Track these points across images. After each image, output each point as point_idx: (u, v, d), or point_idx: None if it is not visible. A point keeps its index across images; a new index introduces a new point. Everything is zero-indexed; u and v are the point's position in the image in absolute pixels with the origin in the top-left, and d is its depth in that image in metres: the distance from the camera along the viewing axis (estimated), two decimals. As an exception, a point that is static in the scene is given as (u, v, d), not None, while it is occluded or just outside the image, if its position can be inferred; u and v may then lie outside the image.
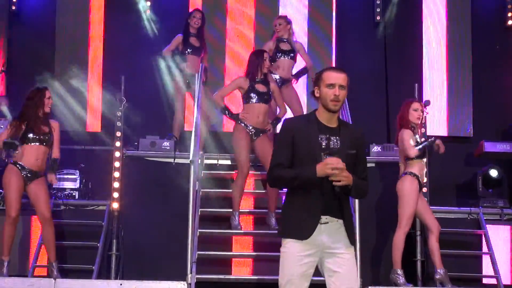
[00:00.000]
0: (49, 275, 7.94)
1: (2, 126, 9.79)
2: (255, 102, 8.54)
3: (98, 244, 8.56)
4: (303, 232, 5.03)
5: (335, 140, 5.09)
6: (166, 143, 9.60)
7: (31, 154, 7.85)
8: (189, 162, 8.02)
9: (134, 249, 8.74)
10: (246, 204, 9.13)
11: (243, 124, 8.51)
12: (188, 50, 10.03)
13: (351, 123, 8.32)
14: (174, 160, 9.40)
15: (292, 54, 9.74)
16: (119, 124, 9.06)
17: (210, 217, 8.80)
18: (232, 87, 8.77)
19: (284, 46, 9.77)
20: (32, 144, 7.86)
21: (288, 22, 9.89)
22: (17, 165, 7.81)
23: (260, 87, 8.58)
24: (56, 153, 8.06)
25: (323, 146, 5.03)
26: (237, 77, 8.94)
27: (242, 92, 8.64)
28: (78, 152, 10.20)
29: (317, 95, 5.15)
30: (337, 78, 5.09)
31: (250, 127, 8.52)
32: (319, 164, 4.97)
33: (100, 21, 11.27)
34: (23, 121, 7.93)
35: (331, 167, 4.93)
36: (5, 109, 10.02)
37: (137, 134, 9.90)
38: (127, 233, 8.82)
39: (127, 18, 11.19)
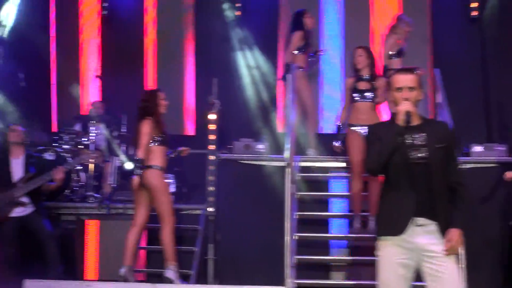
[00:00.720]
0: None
1: (97, 131, 10.19)
2: (357, 101, 8.51)
3: (196, 249, 8.67)
4: (395, 228, 5.06)
5: (420, 137, 5.12)
6: (260, 146, 9.66)
7: (159, 155, 8.00)
8: (284, 164, 8.05)
9: (231, 253, 8.85)
10: (342, 207, 9.15)
11: (352, 127, 8.49)
12: (303, 48, 10.07)
13: (451, 123, 8.26)
14: (269, 163, 9.44)
15: None
16: (212, 127, 9.18)
17: (308, 221, 8.81)
18: (347, 93, 8.69)
19: None
20: (157, 145, 7.98)
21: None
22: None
23: (362, 85, 8.53)
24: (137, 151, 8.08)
25: (408, 143, 5.08)
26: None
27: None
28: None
29: (391, 99, 5.24)
30: (404, 80, 5.15)
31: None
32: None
33: (192, 24, 11.48)
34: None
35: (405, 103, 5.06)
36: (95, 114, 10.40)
37: (231, 137, 10.02)
38: (223, 237, 8.95)
39: (216, 21, 11.40)
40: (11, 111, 10.66)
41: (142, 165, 7.76)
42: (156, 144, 7.87)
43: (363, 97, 8.47)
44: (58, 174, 8.46)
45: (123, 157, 9.94)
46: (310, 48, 10.09)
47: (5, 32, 11.06)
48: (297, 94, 9.68)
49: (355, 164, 8.35)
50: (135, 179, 7.81)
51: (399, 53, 9.72)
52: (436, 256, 5.04)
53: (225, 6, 11.44)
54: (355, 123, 8.45)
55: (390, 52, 9.67)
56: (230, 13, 11.38)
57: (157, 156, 7.85)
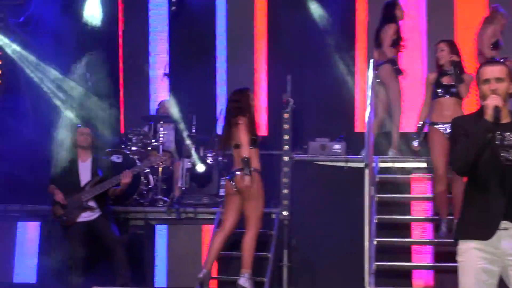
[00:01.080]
0: None
1: (166, 132, 10.40)
2: (441, 97, 8.51)
3: (269, 255, 8.72)
4: (483, 231, 4.99)
5: (510, 136, 5.04)
6: (337, 146, 9.73)
7: (254, 158, 8.04)
8: (363, 166, 8.13)
9: (306, 259, 8.93)
10: (422, 210, 9.17)
11: (433, 125, 8.47)
12: (396, 42, 10.11)
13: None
14: (346, 164, 9.50)
15: None
16: (286, 126, 9.27)
17: (388, 225, 8.83)
18: (429, 89, 8.64)
19: None
20: (252, 147, 8.05)
21: None
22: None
23: (445, 80, 8.52)
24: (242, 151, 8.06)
25: (497, 143, 4.99)
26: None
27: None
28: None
29: (479, 93, 5.14)
30: (491, 71, 5.07)
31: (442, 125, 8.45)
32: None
33: (265, 17, 11.64)
34: None
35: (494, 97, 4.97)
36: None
37: (306, 137, 10.11)
38: (298, 242, 9.02)
39: (292, 15, 11.47)
40: (79, 112, 10.94)
41: (249, 165, 7.85)
42: (251, 146, 7.96)
43: (448, 92, 8.43)
44: (125, 178, 8.67)
45: (194, 158, 10.09)
46: (402, 42, 10.13)
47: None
48: (385, 90, 9.79)
49: (438, 165, 8.30)
50: (228, 183, 7.95)
51: (495, 46, 9.68)
52: None
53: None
54: (438, 120, 8.41)
55: (488, 43, 9.65)
56: (308, 4, 11.44)
57: (252, 158, 7.93)
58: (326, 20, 11.36)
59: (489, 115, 4.95)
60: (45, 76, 10.98)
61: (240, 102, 8.09)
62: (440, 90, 8.46)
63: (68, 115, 10.57)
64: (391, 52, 9.90)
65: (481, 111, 5.09)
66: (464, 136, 5.04)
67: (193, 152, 10.15)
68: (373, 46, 10.19)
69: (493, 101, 4.97)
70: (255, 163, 7.91)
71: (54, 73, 10.99)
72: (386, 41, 9.89)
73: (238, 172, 7.87)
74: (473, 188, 5.10)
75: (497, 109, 4.94)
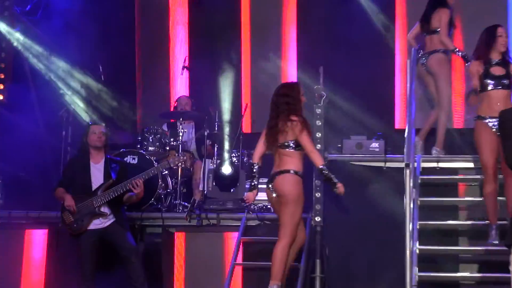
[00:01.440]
0: None
1: (185, 130, 10.35)
2: (492, 89, 8.38)
3: (300, 265, 8.62)
4: None
5: None
6: (375, 144, 9.65)
7: (297, 158, 7.92)
8: (403, 166, 7.99)
9: (341, 270, 8.90)
10: (467, 215, 9.11)
11: (482, 120, 8.36)
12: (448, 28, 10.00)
13: None
14: (385, 164, 9.44)
15: None
16: (319, 123, 9.18)
17: (432, 231, 8.75)
18: (475, 80, 8.51)
19: None
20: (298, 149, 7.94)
21: None
22: None
23: (498, 70, 8.39)
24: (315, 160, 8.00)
25: None
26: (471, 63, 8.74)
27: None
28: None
29: None
30: None
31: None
32: None
33: (293, 4, 11.62)
34: None
35: None
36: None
37: (340, 135, 10.05)
38: (332, 251, 8.97)
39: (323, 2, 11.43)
40: (91, 108, 10.91)
41: (326, 173, 7.81)
42: (298, 148, 7.85)
43: (499, 84, 8.36)
44: (137, 187, 8.56)
45: (218, 159, 10.11)
46: (453, 28, 10.05)
47: None
48: (434, 82, 9.72)
49: (487, 164, 8.21)
50: (268, 190, 7.88)
51: None
52: None
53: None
54: (487, 114, 8.33)
55: None
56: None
57: (294, 160, 7.82)
58: (361, 5, 11.27)
59: None
60: (53, 68, 10.94)
61: (290, 97, 7.97)
62: (490, 82, 8.38)
63: (79, 111, 10.51)
64: (449, 40, 9.80)
65: None
66: None
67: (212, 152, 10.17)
68: (418, 33, 10.14)
69: None
70: (296, 164, 7.79)
71: (63, 65, 10.97)
72: (443, 29, 9.79)
73: (278, 175, 7.78)
74: None
75: None
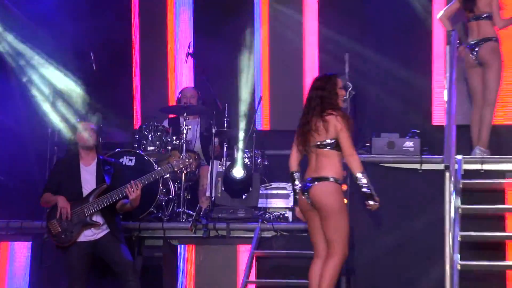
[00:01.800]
0: None
1: (190, 127, 10.36)
2: None
3: None
4: None
5: None
6: (409, 143, 9.69)
7: (335, 162, 7.76)
8: (442, 168, 8.02)
9: (369, 285, 8.90)
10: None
11: None
12: None
13: None
14: (421, 165, 9.41)
15: None
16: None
17: (476, 244, 8.73)
18: None
19: None
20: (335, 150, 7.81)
21: None
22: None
23: None
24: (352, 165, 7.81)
25: None
26: None
27: None
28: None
29: None
30: None
31: None
32: None
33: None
34: None
35: None
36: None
37: (368, 132, 10.11)
38: (360, 267, 9.01)
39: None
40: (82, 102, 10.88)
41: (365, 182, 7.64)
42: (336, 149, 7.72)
43: None
44: (132, 192, 8.47)
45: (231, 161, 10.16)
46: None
47: None
48: (484, 73, 9.74)
49: None
50: (301, 196, 7.70)
51: None
52: None
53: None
54: None
55: None
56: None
57: (332, 163, 7.71)
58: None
59: None
60: (33, 55, 10.91)
61: (326, 90, 7.82)
62: None
63: (67, 106, 10.48)
64: (503, 23, 9.80)
65: None
66: None
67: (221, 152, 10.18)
68: (453, 12, 10.04)
69: None
70: (339, 170, 7.66)
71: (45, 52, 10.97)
72: (496, 12, 9.77)
73: (316, 182, 7.59)
74: None
75: None
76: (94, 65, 10.85)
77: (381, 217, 9.12)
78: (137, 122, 11.90)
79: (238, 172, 10.01)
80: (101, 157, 8.87)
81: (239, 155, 10.15)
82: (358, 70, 10.33)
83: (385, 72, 11.08)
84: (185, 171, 9.92)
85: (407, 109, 10.89)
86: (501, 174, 9.39)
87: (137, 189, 8.44)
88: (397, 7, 11.19)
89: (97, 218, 8.50)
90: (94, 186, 8.60)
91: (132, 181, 8.49)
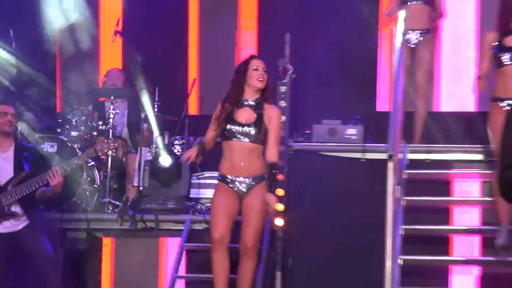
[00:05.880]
0: None
1: (117, 111, 10.38)
2: (508, 64, 8.57)
3: (256, 278, 8.46)
4: None
5: None
6: (351, 131, 9.82)
7: (233, 154, 8.11)
8: (386, 157, 8.11)
9: (308, 285, 8.99)
10: (467, 219, 9.22)
11: (499, 102, 8.56)
12: None
13: None
14: (364, 154, 9.58)
15: None
16: (283, 103, 9.32)
17: (419, 238, 8.88)
18: (486, 55, 8.72)
19: None
20: (233, 140, 8.10)
21: None
22: (225, 179, 8.15)
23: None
24: (271, 155, 8.16)
25: None
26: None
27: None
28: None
29: None
30: None
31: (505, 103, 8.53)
32: None
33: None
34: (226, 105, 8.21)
35: None
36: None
37: (309, 118, 10.22)
38: (297, 261, 9.07)
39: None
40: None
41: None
42: None
43: None
44: (54, 179, 8.54)
45: (157, 147, 10.13)
46: None
47: None
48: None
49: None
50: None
51: None
52: None
53: None
54: (503, 95, 8.52)
55: None
56: None
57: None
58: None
59: None
60: None
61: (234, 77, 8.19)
62: (505, 56, 8.59)
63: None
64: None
65: None
66: None
67: (158, 139, 10.16)
68: None
69: None
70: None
71: None
72: None
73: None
74: None
75: None
76: (13, 43, 10.88)
77: (320, 209, 9.25)
78: (60, 106, 11.86)
79: (165, 160, 10.03)
80: (19, 143, 8.93)
81: (162, 142, 10.12)
82: (300, 52, 10.38)
83: (328, 55, 11.11)
84: (110, 156, 9.92)
85: (351, 94, 10.98)
86: (448, 164, 9.60)
87: (58, 175, 8.56)
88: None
89: (16, 208, 8.54)
90: (12, 174, 8.63)
91: (53, 167, 8.59)
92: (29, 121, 10.30)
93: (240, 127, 8.02)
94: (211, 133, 8.16)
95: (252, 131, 8.02)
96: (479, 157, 9.41)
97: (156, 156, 10.06)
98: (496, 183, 5.28)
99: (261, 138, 7.99)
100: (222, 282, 7.99)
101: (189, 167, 9.97)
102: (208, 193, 9.87)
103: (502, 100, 8.50)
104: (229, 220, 7.98)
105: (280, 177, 8.23)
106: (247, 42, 11.63)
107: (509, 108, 8.33)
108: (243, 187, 8.02)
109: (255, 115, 8.04)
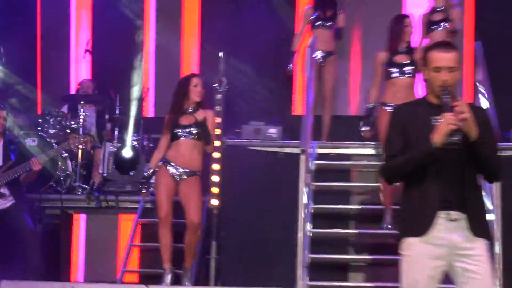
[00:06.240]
0: (160, 280, 8.22)
1: (87, 113, 10.33)
2: (397, 77, 8.63)
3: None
4: (420, 227, 5.03)
5: None
6: (272, 130, 9.76)
7: (179, 147, 8.20)
8: (299, 151, 8.15)
9: (236, 252, 8.93)
10: (363, 199, 9.25)
11: (384, 107, 8.61)
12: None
13: (491, 103, 8.29)
14: (282, 149, 9.44)
15: None
16: (219, 108, 9.26)
17: (325, 215, 8.85)
18: (379, 69, 8.79)
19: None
20: (180, 139, 8.20)
21: None
22: (168, 164, 8.18)
23: (402, 58, 8.66)
24: (209, 149, 8.35)
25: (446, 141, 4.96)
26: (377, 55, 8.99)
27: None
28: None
29: (425, 77, 5.11)
30: (444, 59, 4.99)
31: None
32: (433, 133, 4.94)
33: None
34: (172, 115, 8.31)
35: (452, 119, 4.86)
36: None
37: (239, 120, 10.17)
38: (228, 234, 9.04)
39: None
40: None
41: None
42: None
43: (402, 72, 8.61)
44: (36, 165, 8.59)
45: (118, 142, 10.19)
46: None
47: None
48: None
49: None
50: None
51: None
52: (470, 254, 5.03)
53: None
54: (390, 101, 8.52)
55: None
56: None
57: None
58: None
59: (439, 140, 4.89)
60: None
61: (177, 90, 8.37)
62: (394, 70, 8.62)
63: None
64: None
65: (423, 97, 5.21)
66: (403, 128, 5.10)
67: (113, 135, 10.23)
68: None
69: (448, 126, 4.87)
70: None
71: None
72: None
73: None
74: (409, 181, 5.14)
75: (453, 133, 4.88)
76: (3, 58, 10.79)
77: (247, 192, 9.15)
78: (40, 108, 11.82)
79: (127, 152, 10.04)
80: (7, 138, 8.91)
81: (128, 138, 10.18)
82: (233, 67, 10.40)
83: (255, 69, 11.22)
84: (81, 150, 9.89)
85: (272, 101, 11.05)
86: (348, 157, 9.54)
87: (39, 164, 8.53)
88: (268, 13, 11.40)
89: (4, 190, 8.57)
90: (1, 163, 8.66)
91: (34, 158, 8.57)
92: (16, 121, 10.26)
93: (185, 129, 8.10)
94: (164, 142, 8.21)
95: (194, 130, 8.10)
96: (372, 151, 9.39)
97: (120, 149, 10.07)
98: (382, 171, 5.34)
99: (200, 135, 8.07)
100: (168, 252, 8.06)
101: (144, 158, 10.03)
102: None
103: (388, 105, 8.53)
104: (170, 200, 8.07)
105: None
106: (190, 57, 11.63)
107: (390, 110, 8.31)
108: (180, 174, 8.07)
109: (195, 118, 8.12)
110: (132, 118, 10.47)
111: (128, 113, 10.55)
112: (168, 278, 8.06)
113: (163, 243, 8.07)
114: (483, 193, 5.23)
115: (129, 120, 10.49)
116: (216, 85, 9.35)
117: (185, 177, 8.11)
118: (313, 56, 9.64)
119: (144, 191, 8.29)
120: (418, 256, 5.04)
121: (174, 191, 8.13)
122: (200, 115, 8.15)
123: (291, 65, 10.16)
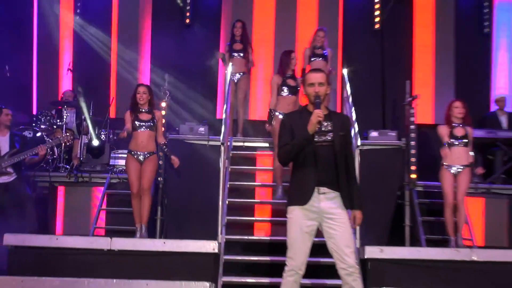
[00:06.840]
0: (107, 235, 8.15)
1: (68, 115, 10.13)
2: (287, 95, 8.56)
3: None
4: (302, 199, 5.21)
5: (326, 124, 5.28)
6: (201, 129, 9.66)
7: (138, 138, 7.98)
8: (220, 144, 8.13)
9: (176, 214, 8.90)
10: (264, 178, 9.23)
11: (277, 113, 8.54)
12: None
13: (352, 114, 8.38)
14: (208, 142, 9.43)
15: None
16: (163, 113, 9.14)
17: (237, 189, 8.91)
18: (274, 89, 8.68)
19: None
20: (139, 130, 7.98)
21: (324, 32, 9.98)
22: (131, 152, 7.97)
23: (291, 82, 8.62)
24: (161, 140, 8.15)
25: (316, 129, 5.17)
26: (272, 77, 8.91)
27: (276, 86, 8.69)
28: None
29: (304, 92, 5.36)
30: (315, 78, 5.28)
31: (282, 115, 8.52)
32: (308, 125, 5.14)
33: (148, 30, 11.64)
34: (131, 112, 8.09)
35: (320, 113, 5.08)
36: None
37: (179, 121, 10.16)
38: (170, 201, 8.99)
39: (171, 23, 11.50)
40: None
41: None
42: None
43: (292, 92, 8.53)
44: (42, 151, 8.41)
45: (91, 135, 9.99)
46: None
47: None
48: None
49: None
50: None
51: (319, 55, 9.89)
52: (333, 217, 5.20)
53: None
54: (283, 111, 8.45)
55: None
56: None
57: None
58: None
59: (312, 129, 5.10)
60: None
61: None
62: (286, 90, 8.53)
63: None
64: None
65: (305, 107, 5.38)
66: (291, 130, 5.25)
67: (90, 130, 10.01)
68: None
69: (317, 118, 5.09)
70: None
71: None
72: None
73: None
74: (297, 164, 5.31)
75: (320, 122, 5.12)
76: (8, 73, 10.53)
77: (184, 172, 8.97)
78: (35, 109, 11.64)
79: (96, 143, 9.87)
80: (12, 131, 8.66)
81: (98, 132, 10.09)
82: (175, 80, 10.39)
83: (191, 83, 11.13)
84: (67, 143, 9.57)
85: (203, 107, 11.00)
86: (254, 148, 9.59)
87: (44, 149, 8.37)
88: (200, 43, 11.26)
89: (10, 169, 8.31)
90: (8, 149, 8.40)
91: (41, 144, 8.39)
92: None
93: (143, 122, 7.94)
94: (128, 126, 7.99)
95: (149, 123, 7.95)
96: (269, 144, 9.41)
97: (91, 140, 9.91)
98: (275, 156, 5.46)
99: (153, 128, 7.93)
100: (138, 216, 7.90)
101: (109, 146, 9.86)
102: (120, 162, 9.76)
103: (280, 113, 8.36)
104: (139, 179, 7.89)
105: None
106: (143, 74, 11.48)
107: (282, 117, 8.27)
108: (142, 157, 7.92)
109: (149, 116, 7.97)
110: (102, 118, 10.38)
111: (99, 115, 10.46)
112: (143, 230, 7.89)
113: (135, 210, 7.91)
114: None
115: (99, 120, 10.38)
116: (163, 94, 9.34)
117: (147, 156, 7.95)
118: (230, 76, 9.59)
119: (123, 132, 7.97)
120: (298, 217, 5.22)
121: (139, 171, 7.96)
122: (156, 113, 8.05)
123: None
